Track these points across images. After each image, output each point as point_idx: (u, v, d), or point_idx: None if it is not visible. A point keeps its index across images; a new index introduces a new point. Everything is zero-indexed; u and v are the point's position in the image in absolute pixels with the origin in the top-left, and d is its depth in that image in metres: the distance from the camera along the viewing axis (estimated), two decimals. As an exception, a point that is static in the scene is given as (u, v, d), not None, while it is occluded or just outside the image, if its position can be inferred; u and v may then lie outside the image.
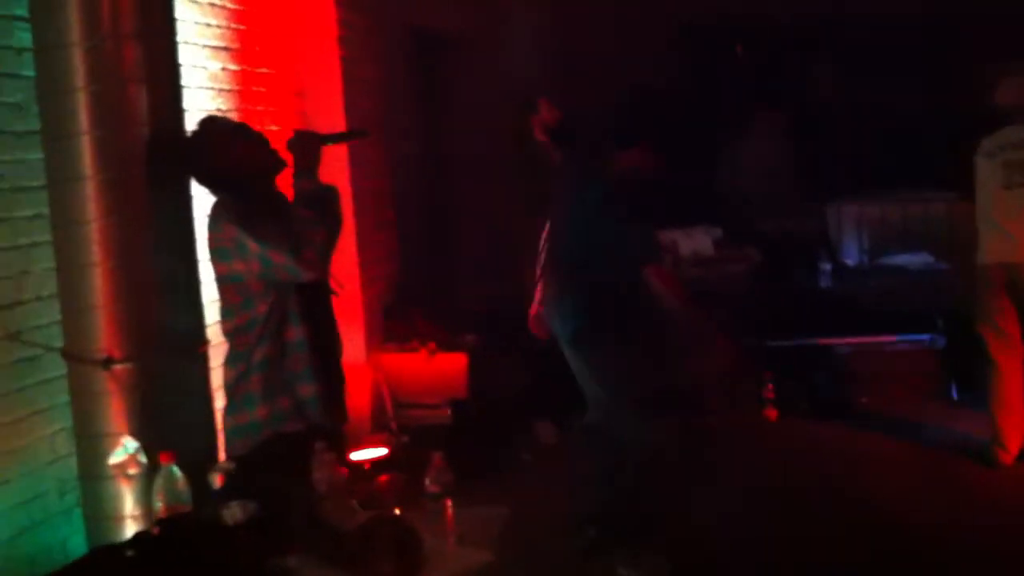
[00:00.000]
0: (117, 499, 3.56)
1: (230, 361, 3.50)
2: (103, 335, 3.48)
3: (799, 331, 7.16)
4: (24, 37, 3.70)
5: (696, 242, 7.05)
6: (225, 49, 5.22)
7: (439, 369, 6.37)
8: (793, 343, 7.16)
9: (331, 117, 5.94)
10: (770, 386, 6.89)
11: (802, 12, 9.07)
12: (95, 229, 3.42)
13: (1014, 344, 5.72)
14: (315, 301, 3.57)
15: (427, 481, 2.98)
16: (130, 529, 3.49)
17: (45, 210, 3.79)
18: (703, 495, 5.12)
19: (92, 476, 3.61)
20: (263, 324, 3.42)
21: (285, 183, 3.60)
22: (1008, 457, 5.74)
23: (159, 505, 2.98)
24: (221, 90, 5.12)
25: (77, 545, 3.99)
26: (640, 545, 4.49)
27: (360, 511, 2.96)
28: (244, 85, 5.37)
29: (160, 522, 2.87)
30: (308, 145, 3.53)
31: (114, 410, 3.52)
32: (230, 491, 3.14)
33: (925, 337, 7.25)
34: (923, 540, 4.90)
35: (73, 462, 3.94)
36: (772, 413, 6.91)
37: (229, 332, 3.48)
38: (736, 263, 6.96)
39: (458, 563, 2.69)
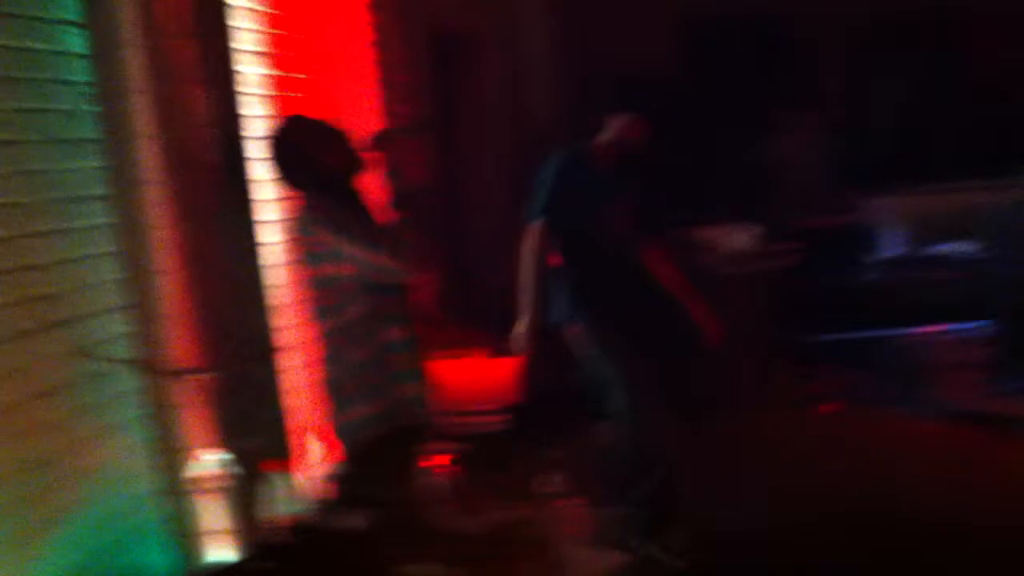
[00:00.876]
0: (201, 514, 3.47)
1: (327, 363, 3.41)
2: (178, 345, 3.36)
3: (848, 324, 7.06)
4: (73, 41, 3.58)
5: (736, 240, 6.91)
6: (262, 54, 5.10)
7: (493, 374, 6.23)
8: (842, 336, 7.06)
9: (369, 123, 5.83)
10: (822, 380, 6.78)
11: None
12: (164, 235, 3.30)
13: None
14: (412, 299, 3.48)
15: (540, 482, 2.86)
16: (217, 544, 3.40)
17: (103, 220, 3.68)
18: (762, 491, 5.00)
19: (174, 491, 3.52)
20: (359, 325, 3.33)
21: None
22: None
23: (269, 515, 2.86)
24: (259, 95, 4.99)
25: (153, 564, 3.87)
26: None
27: (478, 514, 2.84)
28: (282, 90, 5.25)
29: (284, 531, 2.76)
30: (396, 142, 3.45)
31: (193, 422, 3.43)
32: (344, 497, 3.03)
33: (973, 326, 7.16)
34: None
35: (147, 478, 3.83)
36: (825, 407, 6.79)
37: (325, 334, 3.40)
38: (778, 259, 6.82)
39: (595, 565, 2.56)
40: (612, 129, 4.46)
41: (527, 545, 2.55)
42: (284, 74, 5.27)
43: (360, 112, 5.83)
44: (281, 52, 5.27)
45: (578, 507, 2.81)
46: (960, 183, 7.98)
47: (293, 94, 5.39)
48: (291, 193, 3.53)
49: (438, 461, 3.04)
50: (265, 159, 3.53)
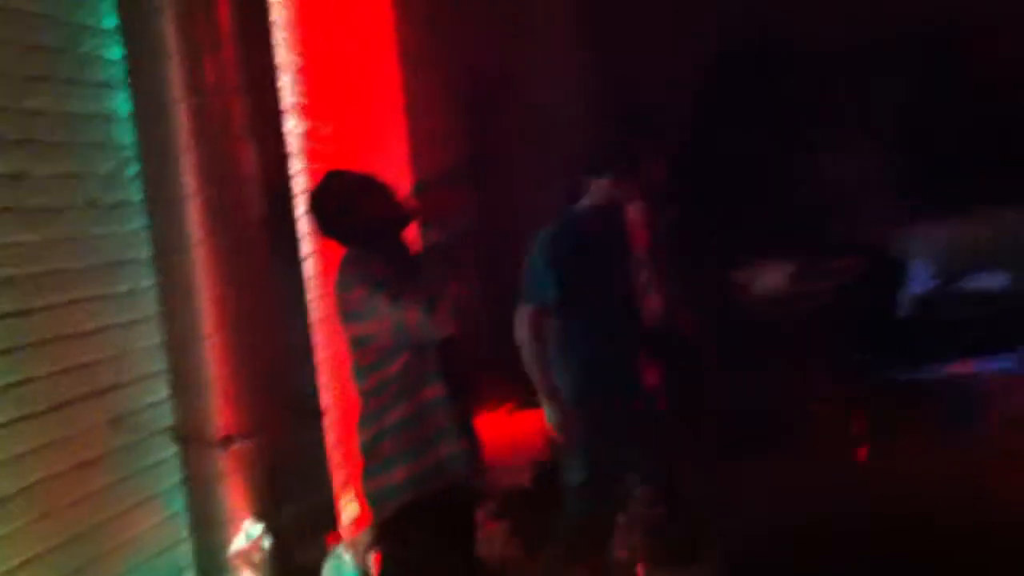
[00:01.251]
0: (241, 588, 3.32)
1: (365, 422, 3.29)
2: (220, 412, 3.26)
3: (884, 364, 6.93)
4: (114, 103, 3.51)
5: (769, 280, 6.80)
6: (293, 106, 5.03)
7: (519, 428, 6.09)
8: (881, 376, 6.92)
9: (399, 173, 5.76)
10: (859, 423, 6.63)
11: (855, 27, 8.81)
12: (208, 299, 3.20)
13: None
14: (454, 354, 3.35)
15: (616, 545, 2.73)
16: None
17: (140, 284, 3.59)
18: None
19: (212, 567, 3.38)
20: (397, 383, 3.21)
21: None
22: None
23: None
24: (299, 150, 4.93)
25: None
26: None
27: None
28: (314, 143, 5.18)
29: None
30: (436, 192, 3.34)
31: (234, 492, 3.30)
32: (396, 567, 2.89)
33: (1011, 360, 7.02)
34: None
35: (184, 550, 3.71)
36: (861, 451, 6.64)
37: (363, 393, 3.27)
38: (814, 299, 6.71)
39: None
40: (595, 193, 4.31)
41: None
42: (316, 126, 5.21)
43: (390, 163, 5.76)
44: (313, 105, 5.21)
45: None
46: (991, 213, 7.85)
47: (325, 147, 5.32)
48: (333, 247, 3.43)
49: (493, 526, 2.90)
50: (308, 213, 3.43)
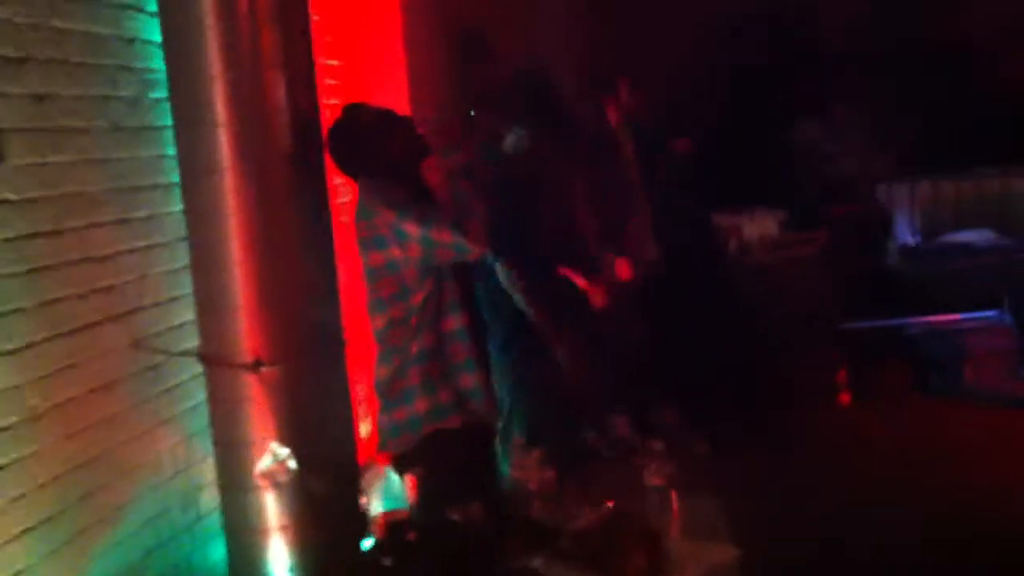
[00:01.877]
0: (263, 510, 3.38)
1: (384, 358, 3.32)
2: (247, 337, 3.29)
3: (870, 313, 7.05)
4: (140, 27, 3.50)
5: (761, 226, 6.88)
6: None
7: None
8: (865, 325, 7.05)
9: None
10: (846, 371, 6.75)
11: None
12: (235, 224, 3.22)
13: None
14: (472, 287, 3.40)
15: (649, 473, 2.80)
16: (274, 541, 3.32)
17: (159, 210, 3.61)
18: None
19: (235, 487, 3.43)
20: (420, 314, 3.25)
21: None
22: None
23: (381, 509, 2.79)
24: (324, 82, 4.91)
25: (203, 560, 3.80)
26: None
27: (580, 509, 2.78)
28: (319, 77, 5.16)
29: (392, 528, 2.69)
30: (454, 122, 3.39)
31: (259, 416, 3.33)
32: (435, 493, 2.95)
33: (993, 314, 7.17)
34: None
35: (196, 473, 3.77)
36: (848, 397, 6.76)
37: (381, 328, 3.30)
38: (805, 246, 6.80)
39: (706, 559, 2.50)
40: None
41: (637, 538, 2.48)
42: (325, 62, 5.20)
43: (390, 102, 5.75)
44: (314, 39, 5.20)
45: (682, 498, 2.75)
46: (979, 170, 7.98)
47: (327, 81, 5.31)
48: (354, 179, 3.45)
49: (531, 457, 2.96)
50: (329, 146, 3.45)
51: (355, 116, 3.44)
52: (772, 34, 8.85)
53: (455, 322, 3.33)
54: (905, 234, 7.81)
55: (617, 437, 6.21)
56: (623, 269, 5.47)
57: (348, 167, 3.43)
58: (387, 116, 3.50)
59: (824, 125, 8.20)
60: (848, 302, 6.99)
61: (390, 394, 3.31)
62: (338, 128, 3.44)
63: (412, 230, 3.14)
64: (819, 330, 6.77)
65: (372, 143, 3.36)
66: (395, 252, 3.20)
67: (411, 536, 2.64)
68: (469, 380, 3.35)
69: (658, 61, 7.51)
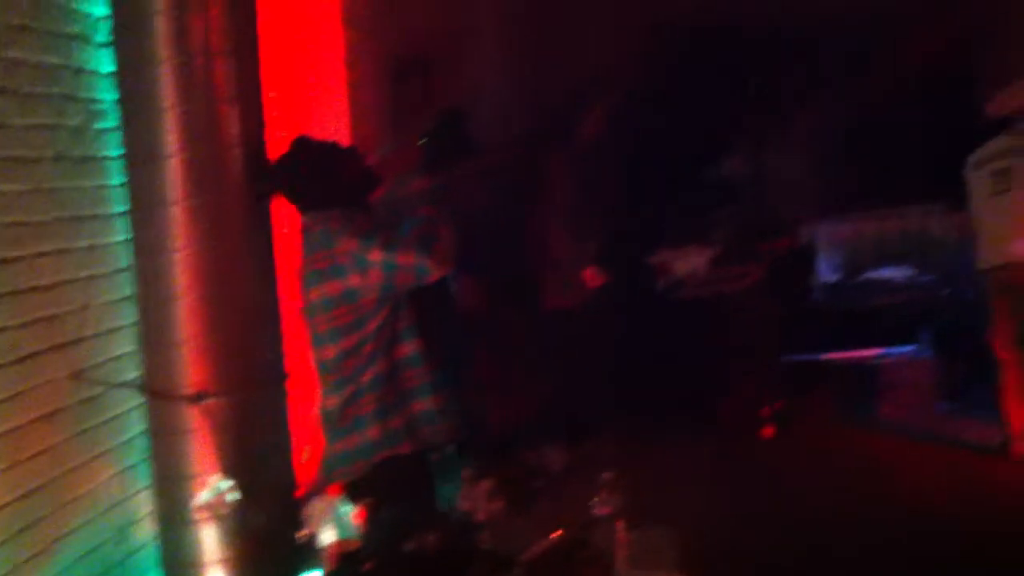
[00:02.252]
0: (202, 544, 3.37)
1: (335, 387, 3.34)
2: (191, 369, 3.29)
3: (795, 348, 7.21)
4: (92, 58, 3.50)
5: (692, 261, 7.00)
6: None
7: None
8: (790, 359, 7.21)
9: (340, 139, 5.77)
10: (772, 404, 6.89)
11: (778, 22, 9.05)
12: (184, 256, 3.23)
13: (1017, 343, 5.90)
14: (431, 311, 3.43)
15: (595, 502, 2.86)
16: (215, 575, 3.32)
17: (101, 240, 3.61)
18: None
19: (174, 520, 3.43)
20: (374, 342, 3.28)
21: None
22: (1022, 447, 5.91)
23: (331, 539, 2.81)
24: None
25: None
26: None
27: (530, 537, 2.82)
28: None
29: (346, 557, 2.71)
30: (408, 150, 3.45)
31: (201, 448, 3.33)
32: (386, 523, 2.97)
33: (913, 349, 7.38)
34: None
35: (131, 506, 3.74)
36: (774, 430, 6.90)
37: (332, 358, 3.32)
38: (734, 281, 6.94)
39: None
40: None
41: (587, 567, 2.53)
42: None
43: (330, 128, 5.77)
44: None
45: (629, 528, 2.81)
46: (899, 208, 8.21)
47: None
48: (304, 211, 3.48)
49: (481, 486, 3.00)
50: (279, 179, 3.48)
51: (304, 148, 3.47)
52: (704, 73, 9.03)
53: (409, 348, 3.37)
54: (828, 271, 7.98)
55: (560, 469, 6.29)
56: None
57: (298, 199, 3.46)
58: (335, 148, 3.54)
59: (751, 164, 8.37)
60: (775, 336, 7.13)
61: (340, 422, 3.33)
62: (288, 161, 3.46)
63: (375, 256, 3.19)
64: (747, 363, 6.91)
65: (323, 175, 3.39)
66: (354, 280, 3.23)
67: (363, 567, 2.66)
68: (423, 405, 3.38)
69: (592, 96, 7.63)
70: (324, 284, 3.28)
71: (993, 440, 6.06)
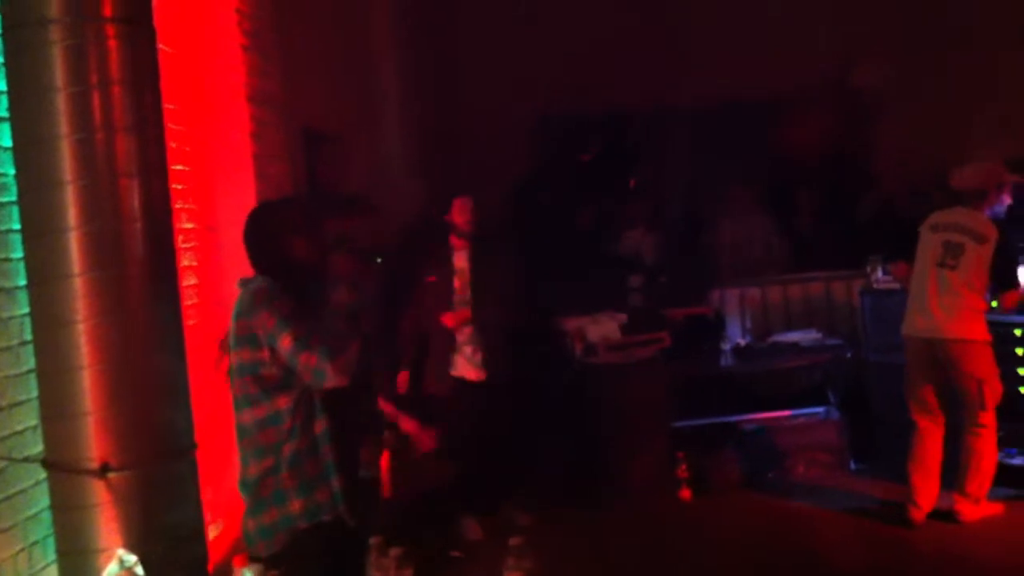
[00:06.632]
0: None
1: (255, 455, 3.34)
2: (95, 442, 3.26)
3: (705, 411, 7.33)
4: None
5: (604, 328, 7.12)
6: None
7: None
8: (700, 422, 7.32)
9: (241, 213, 5.78)
10: (683, 467, 6.97)
11: (664, 102, 9.38)
12: (85, 329, 3.22)
13: (934, 411, 6.03)
14: (339, 394, 3.45)
15: (507, 569, 2.88)
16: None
17: (4, 313, 3.55)
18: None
19: (78, 597, 3.34)
20: (292, 416, 3.30)
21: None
22: (920, 515, 6.07)
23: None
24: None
25: None
26: None
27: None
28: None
29: None
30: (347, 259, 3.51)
31: (106, 523, 3.29)
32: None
33: (820, 410, 7.53)
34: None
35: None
36: (686, 493, 6.97)
37: (248, 423, 3.33)
38: (645, 347, 7.06)
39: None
40: None
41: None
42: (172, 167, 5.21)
43: (233, 203, 5.78)
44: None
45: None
46: (805, 275, 8.44)
47: (174, 186, 5.32)
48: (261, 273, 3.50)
49: (390, 558, 3.00)
50: (244, 239, 3.50)
51: (267, 215, 3.51)
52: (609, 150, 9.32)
53: (321, 425, 3.39)
54: (736, 335, 8.14)
55: (469, 535, 6.29)
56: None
57: (256, 263, 3.49)
58: (298, 215, 3.57)
59: (659, 235, 8.59)
60: (684, 400, 7.25)
61: (261, 493, 3.33)
62: (253, 226, 3.50)
63: (285, 344, 3.22)
64: (657, 427, 7.00)
65: (280, 241, 3.43)
66: (264, 354, 3.26)
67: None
68: (336, 483, 3.41)
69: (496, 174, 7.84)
70: (241, 350, 3.31)
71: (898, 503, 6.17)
